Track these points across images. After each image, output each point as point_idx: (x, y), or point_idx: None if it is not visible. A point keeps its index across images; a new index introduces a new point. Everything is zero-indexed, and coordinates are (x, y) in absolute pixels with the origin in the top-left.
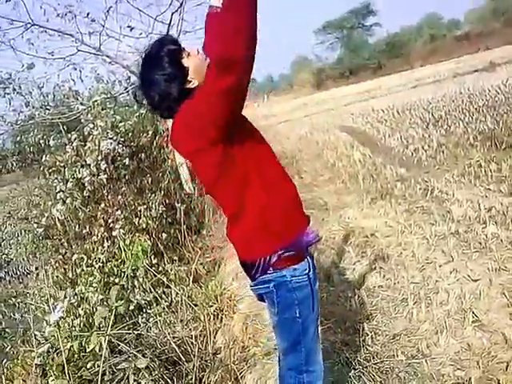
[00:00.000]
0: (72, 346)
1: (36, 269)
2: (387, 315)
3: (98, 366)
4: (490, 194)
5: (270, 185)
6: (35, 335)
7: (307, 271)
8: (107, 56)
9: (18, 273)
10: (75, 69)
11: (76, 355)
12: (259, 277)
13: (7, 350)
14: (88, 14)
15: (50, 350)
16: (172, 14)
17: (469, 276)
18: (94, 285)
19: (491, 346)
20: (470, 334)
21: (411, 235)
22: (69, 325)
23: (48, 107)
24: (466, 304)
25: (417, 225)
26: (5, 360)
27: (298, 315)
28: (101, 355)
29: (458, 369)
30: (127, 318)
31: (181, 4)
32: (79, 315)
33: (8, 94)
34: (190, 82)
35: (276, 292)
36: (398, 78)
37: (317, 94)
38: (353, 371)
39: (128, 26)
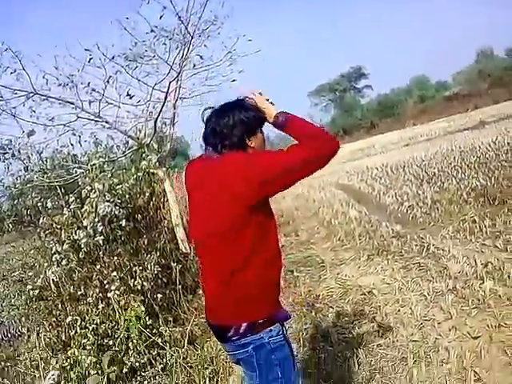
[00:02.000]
0: None
1: (28, 331)
2: (387, 375)
3: None
4: (485, 249)
5: (272, 257)
6: None
7: (281, 332)
8: (106, 122)
9: (9, 335)
10: (74, 134)
11: None
12: (236, 340)
13: None
14: (89, 84)
15: None
16: (170, 83)
17: (468, 333)
18: (88, 347)
19: None
20: None
21: (409, 292)
22: None
23: (46, 171)
24: (467, 362)
25: (414, 281)
26: None
27: (279, 376)
28: None
29: None
30: (121, 382)
31: (178, 73)
32: (71, 379)
33: (7, 159)
34: (250, 141)
35: (255, 355)
36: (391, 137)
37: None
38: None
39: (128, 95)
